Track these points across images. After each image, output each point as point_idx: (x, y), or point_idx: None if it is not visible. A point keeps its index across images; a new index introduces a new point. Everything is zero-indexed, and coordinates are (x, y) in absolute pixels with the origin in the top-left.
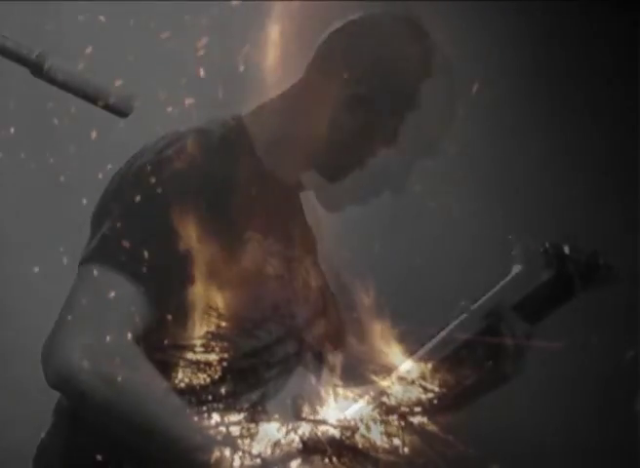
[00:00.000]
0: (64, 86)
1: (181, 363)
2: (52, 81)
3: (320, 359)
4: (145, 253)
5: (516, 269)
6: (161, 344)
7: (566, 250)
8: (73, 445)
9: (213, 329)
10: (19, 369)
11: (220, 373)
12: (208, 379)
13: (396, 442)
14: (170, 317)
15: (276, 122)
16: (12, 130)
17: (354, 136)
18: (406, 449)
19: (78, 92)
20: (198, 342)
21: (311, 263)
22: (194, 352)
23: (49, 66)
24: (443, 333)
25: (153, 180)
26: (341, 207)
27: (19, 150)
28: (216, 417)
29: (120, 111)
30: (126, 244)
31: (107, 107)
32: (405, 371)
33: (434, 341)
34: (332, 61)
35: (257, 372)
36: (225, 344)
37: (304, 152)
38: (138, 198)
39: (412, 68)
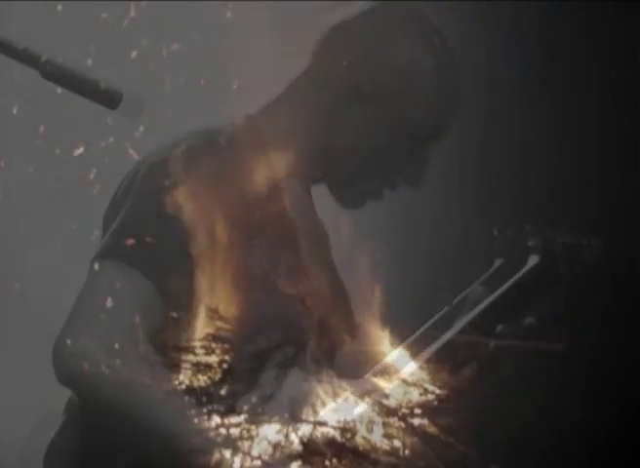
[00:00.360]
0: (59, 79)
1: (182, 365)
2: (47, 74)
3: (318, 361)
4: (157, 251)
5: (498, 263)
6: (163, 347)
7: (548, 233)
8: (85, 442)
9: (213, 331)
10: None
11: (218, 376)
12: (207, 381)
13: (397, 443)
14: (174, 317)
15: (285, 121)
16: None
17: (361, 143)
18: (406, 451)
19: (72, 85)
20: (198, 344)
21: (321, 263)
22: (194, 354)
23: (45, 60)
24: (424, 330)
25: (163, 180)
26: (359, 203)
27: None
28: (216, 419)
29: (109, 103)
30: (137, 241)
31: (97, 99)
32: (404, 372)
33: (416, 337)
34: (335, 57)
35: (253, 374)
36: (226, 346)
37: (315, 157)
38: (147, 196)
39: (422, 74)
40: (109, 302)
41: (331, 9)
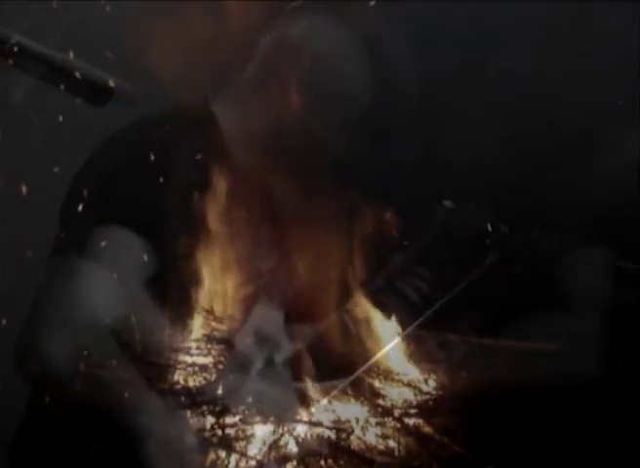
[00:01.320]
0: (35, 70)
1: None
2: (19, 63)
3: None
4: (118, 241)
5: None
6: (156, 347)
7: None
8: (48, 436)
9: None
10: None
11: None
12: (201, 380)
13: (392, 443)
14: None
15: (238, 109)
16: None
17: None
18: (401, 451)
19: (53, 78)
20: (191, 344)
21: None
22: (190, 354)
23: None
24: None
25: (125, 167)
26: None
27: None
28: (211, 419)
29: (98, 100)
30: (98, 231)
31: (86, 95)
32: (400, 373)
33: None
34: (283, 52)
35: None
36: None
37: (269, 145)
38: (109, 186)
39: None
40: (71, 298)
41: None
